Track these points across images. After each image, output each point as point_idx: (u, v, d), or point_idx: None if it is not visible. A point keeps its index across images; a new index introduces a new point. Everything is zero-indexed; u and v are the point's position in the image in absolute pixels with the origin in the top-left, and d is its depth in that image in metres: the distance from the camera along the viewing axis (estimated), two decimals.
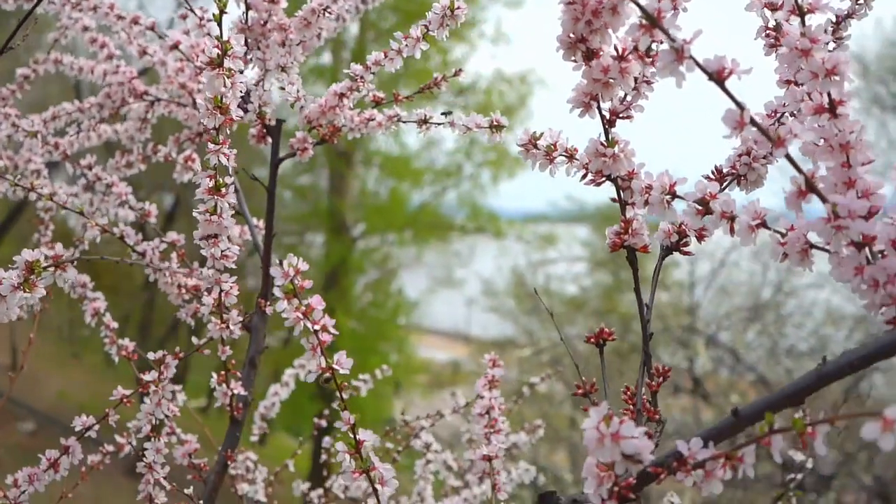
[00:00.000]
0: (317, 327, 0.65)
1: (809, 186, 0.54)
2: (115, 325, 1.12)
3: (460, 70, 1.03)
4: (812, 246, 0.57)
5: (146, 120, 1.23)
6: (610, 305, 9.35)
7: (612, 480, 0.55)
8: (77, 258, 0.78)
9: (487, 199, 12.15)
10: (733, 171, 0.72)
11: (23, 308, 0.73)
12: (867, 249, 0.54)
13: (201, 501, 0.97)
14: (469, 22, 10.97)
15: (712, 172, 0.73)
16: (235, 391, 1.00)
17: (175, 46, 1.08)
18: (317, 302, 0.66)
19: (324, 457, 1.42)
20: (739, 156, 0.72)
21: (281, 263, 0.64)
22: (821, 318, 7.22)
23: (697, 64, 0.52)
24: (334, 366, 0.66)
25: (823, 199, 0.53)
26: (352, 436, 0.68)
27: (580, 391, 0.67)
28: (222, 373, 0.99)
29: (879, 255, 0.54)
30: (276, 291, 0.64)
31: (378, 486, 0.67)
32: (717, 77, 0.53)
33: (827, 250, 0.56)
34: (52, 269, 0.69)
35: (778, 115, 0.72)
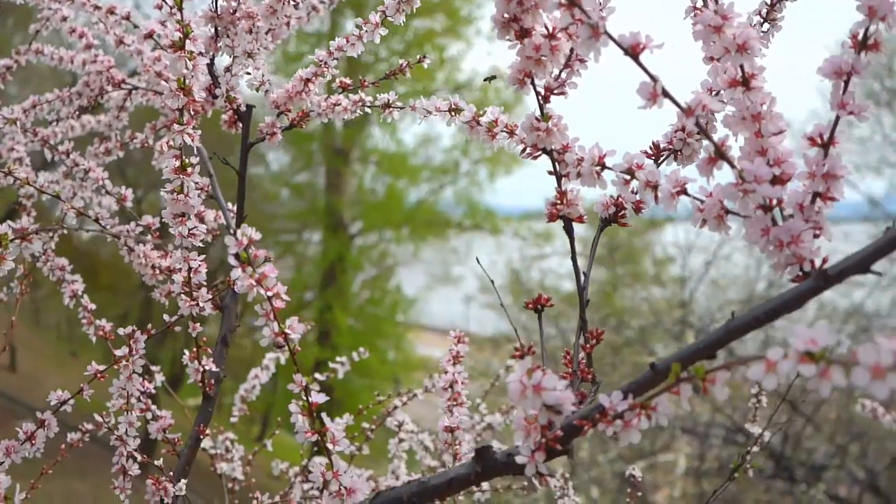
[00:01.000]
0: (270, 294, 0.69)
1: (719, 153, 0.57)
2: (92, 306, 1.16)
3: (424, 57, 1.07)
4: (728, 211, 0.60)
5: (124, 108, 1.26)
6: (605, 301, 9.38)
7: (538, 432, 0.59)
8: (39, 229, 0.81)
9: (484, 196, 12.17)
10: (670, 146, 0.76)
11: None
12: (774, 212, 0.57)
13: (171, 472, 1.01)
14: (465, 19, 11.00)
15: (650, 147, 0.77)
16: (207, 367, 1.04)
17: (150, 35, 1.12)
18: (270, 270, 0.69)
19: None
20: (675, 131, 0.75)
21: (235, 234, 0.67)
22: (813, 313, 7.26)
23: (613, 39, 0.56)
24: (287, 331, 0.70)
25: (732, 165, 0.57)
26: (304, 398, 0.71)
27: (518, 354, 0.70)
28: (194, 350, 1.03)
29: (790, 219, 0.58)
30: (232, 259, 0.68)
31: (330, 446, 0.71)
32: (632, 52, 0.56)
33: (740, 215, 0.59)
34: (17, 241, 0.73)
35: (713, 92, 0.76)
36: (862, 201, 8.59)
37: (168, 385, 1.28)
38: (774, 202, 0.57)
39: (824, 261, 0.56)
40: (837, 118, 0.58)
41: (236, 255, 0.68)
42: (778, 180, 0.58)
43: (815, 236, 0.57)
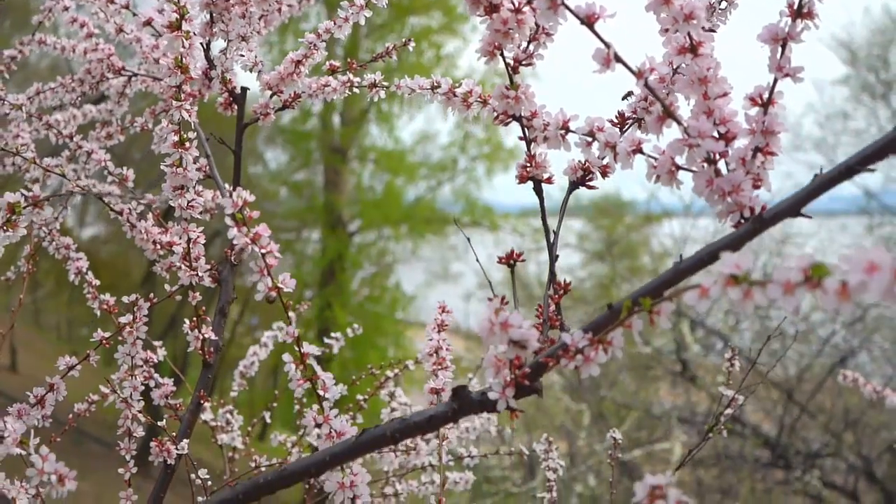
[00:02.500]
0: (264, 251, 0.74)
1: (667, 112, 0.63)
2: (97, 282, 1.22)
3: (409, 40, 1.13)
4: (678, 167, 0.66)
5: (124, 94, 1.32)
6: (604, 294, 9.44)
7: (507, 368, 0.65)
8: (51, 195, 0.87)
9: (482, 193, 12.22)
10: (634, 114, 0.81)
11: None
12: (720, 165, 0.63)
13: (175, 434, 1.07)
14: (462, 16, 11.06)
15: (616, 116, 0.82)
16: (207, 336, 1.10)
17: (148, 23, 1.18)
18: (263, 230, 0.75)
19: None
20: (638, 101, 0.81)
21: (231, 195, 0.73)
22: (808, 307, 7.33)
23: (569, 9, 0.62)
24: (280, 285, 0.76)
25: (679, 123, 0.63)
26: (297, 348, 0.77)
27: (489, 299, 0.76)
28: (194, 319, 1.09)
29: (732, 172, 0.64)
30: (228, 220, 0.74)
31: (321, 392, 0.77)
32: (588, 21, 0.62)
33: (689, 170, 0.65)
34: (30, 207, 0.79)
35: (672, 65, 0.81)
36: (858, 194, 8.66)
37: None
38: (718, 156, 0.62)
39: (763, 208, 0.62)
40: (775, 79, 0.63)
41: (232, 216, 0.74)
42: (724, 138, 0.64)
43: (756, 187, 0.63)
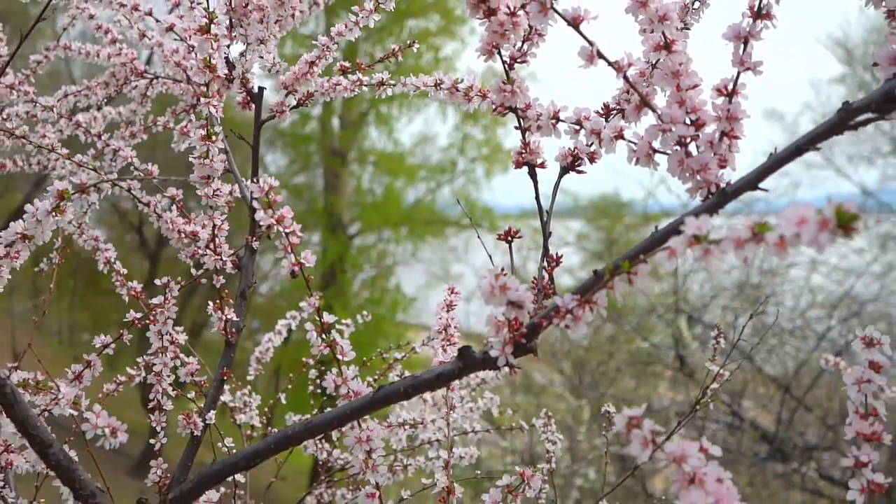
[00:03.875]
0: (288, 230, 0.84)
1: (644, 102, 0.72)
2: (124, 270, 1.31)
3: (413, 42, 1.22)
4: (654, 150, 0.75)
5: (146, 96, 1.41)
6: (606, 297, 9.47)
7: (506, 328, 0.74)
8: (98, 181, 0.96)
9: (482, 195, 12.30)
10: (617, 105, 0.91)
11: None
12: (691, 148, 0.72)
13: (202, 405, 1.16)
14: (460, 18, 11.16)
15: (601, 107, 0.92)
16: (229, 317, 1.19)
17: (170, 28, 1.27)
18: (287, 212, 0.84)
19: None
20: (621, 93, 0.90)
21: (258, 181, 0.82)
22: (807, 301, 7.42)
23: (558, 13, 0.71)
24: (302, 260, 0.85)
25: (654, 111, 0.72)
26: (317, 317, 0.86)
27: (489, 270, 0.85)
28: (217, 301, 1.18)
29: (701, 153, 0.73)
30: (255, 203, 0.83)
31: (340, 357, 0.86)
32: (574, 22, 0.71)
33: (664, 152, 0.75)
34: (77, 194, 0.88)
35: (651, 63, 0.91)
36: (856, 192, 8.75)
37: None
38: (689, 139, 0.72)
39: (728, 184, 0.71)
40: (738, 73, 0.73)
41: (259, 199, 0.83)
42: (694, 124, 0.74)
43: (721, 166, 0.72)
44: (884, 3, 0.67)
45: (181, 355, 1.24)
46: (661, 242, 0.70)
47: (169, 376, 1.15)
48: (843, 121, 0.64)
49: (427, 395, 1.65)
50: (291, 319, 1.72)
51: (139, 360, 1.26)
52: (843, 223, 0.47)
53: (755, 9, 0.72)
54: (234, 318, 1.20)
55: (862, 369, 0.71)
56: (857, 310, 7.14)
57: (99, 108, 1.55)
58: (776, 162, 0.66)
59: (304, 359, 1.64)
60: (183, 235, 1.24)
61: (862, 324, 6.82)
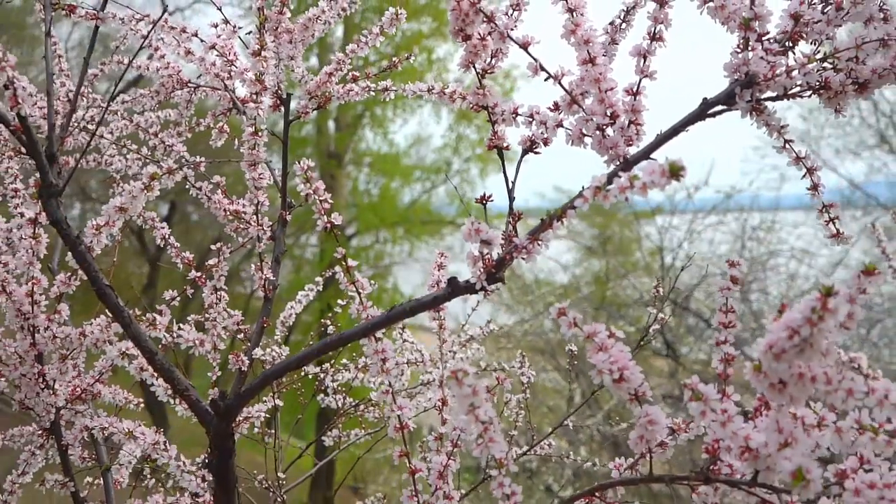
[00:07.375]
0: (321, 198, 1.15)
1: (573, 100, 1.04)
2: (177, 244, 1.61)
3: (411, 55, 1.53)
4: (583, 134, 1.06)
5: (190, 101, 1.72)
6: (600, 292, 9.78)
7: (481, 262, 1.04)
8: (181, 166, 1.27)
9: (477, 194, 12.57)
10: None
11: None
12: (606, 132, 1.04)
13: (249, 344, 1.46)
14: None
15: (553, 104, 1.23)
16: (268, 276, 1.50)
17: (212, 47, 1.58)
18: (320, 184, 1.15)
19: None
20: (563, 95, 1.21)
21: (300, 161, 1.13)
22: (795, 292, 7.75)
23: (512, 39, 1.02)
24: (332, 220, 1.16)
25: (581, 107, 1.03)
26: (344, 262, 1.17)
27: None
28: (258, 263, 1.49)
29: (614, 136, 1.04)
30: (297, 178, 1.14)
31: (360, 291, 1.17)
32: (524, 45, 1.02)
33: (589, 135, 1.06)
34: (166, 174, 1.18)
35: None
36: (843, 185, 9.09)
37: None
38: (606, 126, 1.03)
39: (632, 156, 1.02)
40: (640, 80, 1.04)
41: (299, 175, 1.14)
42: (611, 116, 1.05)
43: (629, 145, 1.03)
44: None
45: (227, 309, 1.55)
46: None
47: (223, 322, 1.46)
48: (703, 111, 0.95)
49: (424, 351, 1.96)
50: (309, 291, 2.03)
51: (188, 318, 1.57)
52: (674, 172, 0.78)
53: (652, 34, 1.03)
54: (272, 277, 1.50)
55: (727, 283, 1.03)
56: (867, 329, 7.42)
57: (154, 111, 1.85)
58: (659, 141, 0.98)
59: (322, 320, 1.95)
60: (227, 213, 1.55)
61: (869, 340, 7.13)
